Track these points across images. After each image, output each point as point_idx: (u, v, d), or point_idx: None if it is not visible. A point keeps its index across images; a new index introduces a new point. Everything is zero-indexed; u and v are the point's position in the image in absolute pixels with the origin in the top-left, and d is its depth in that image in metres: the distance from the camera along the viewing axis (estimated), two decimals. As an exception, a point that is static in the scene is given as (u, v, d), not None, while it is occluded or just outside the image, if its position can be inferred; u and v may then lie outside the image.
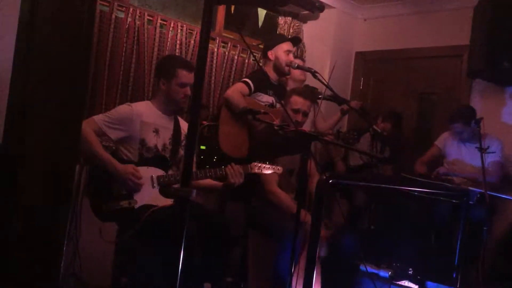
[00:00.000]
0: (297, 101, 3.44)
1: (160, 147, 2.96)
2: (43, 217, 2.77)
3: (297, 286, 2.69)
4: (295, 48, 4.28)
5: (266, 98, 3.91)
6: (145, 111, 2.96)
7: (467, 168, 4.24)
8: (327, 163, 4.64)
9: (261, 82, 3.85)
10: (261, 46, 4.35)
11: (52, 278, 2.87)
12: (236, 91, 3.73)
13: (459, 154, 4.35)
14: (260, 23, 5.26)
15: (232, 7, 4.98)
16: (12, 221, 2.62)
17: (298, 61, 4.15)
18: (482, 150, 3.69)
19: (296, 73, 4.23)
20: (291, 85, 4.40)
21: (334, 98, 4.12)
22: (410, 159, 4.69)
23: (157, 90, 3.07)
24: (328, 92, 3.89)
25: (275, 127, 3.20)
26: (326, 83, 3.52)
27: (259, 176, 3.19)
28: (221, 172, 2.93)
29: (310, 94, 3.68)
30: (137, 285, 2.95)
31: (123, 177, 2.76)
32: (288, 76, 4.32)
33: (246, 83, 3.80)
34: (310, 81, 4.05)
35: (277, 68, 3.95)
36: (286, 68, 3.95)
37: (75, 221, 3.08)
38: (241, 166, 2.98)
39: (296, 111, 3.42)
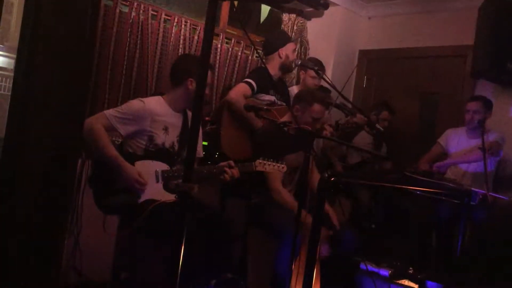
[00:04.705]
0: (319, 110, 3.37)
1: (168, 144, 2.96)
2: (44, 211, 2.78)
3: (296, 284, 2.69)
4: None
5: (268, 98, 3.90)
6: (157, 108, 2.95)
7: (470, 169, 4.22)
8: (324, 163, 4.63)
9: (263, 81, 3.83)
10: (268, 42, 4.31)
11: (53, 271, 2.88)
12: (240, 94, 3.71)
13: (461, 151, 4.33)
14: (262, 19, 5.25)
15: (236, 4, 4.97)
16: (12, 214, 2.62)
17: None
18: (485, 151, 3.68)
19: (309, 82, 4.28)
20: (303, 86, 4.41)
21: (342, 107, 4.09)
22: (411, 158, 4.68)
23: (173, 87, 3.04)
24: (339, 98, 3.88)
25: (279, 124, 3.20)
26: (330, 82, 3.52)
27: (263, 173, 3.17)
28: (215, 170, 2.93)
29: (328, 101, 3.65)
30: (137, 280, 2.96)
31: (127, 181, 2.75)
32: (302, 78, 4.38)
33: (249, 84, 3.77)
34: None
35: (285, 66, 3.96)
36: (293, 66, 3.98)
37: (76, 214, 3.08)
38: (244, 164, 2.99)
39: (316, 120, 3.38)
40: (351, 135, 4.81)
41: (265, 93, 3.88)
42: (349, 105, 4.06)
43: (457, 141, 4.39)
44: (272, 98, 3.93)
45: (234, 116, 3.69)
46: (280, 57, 3.94)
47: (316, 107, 3.35)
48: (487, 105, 4.19)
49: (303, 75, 4.41)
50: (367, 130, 4.76)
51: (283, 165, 3.05)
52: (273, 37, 4.13)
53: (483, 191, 3.42)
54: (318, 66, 4.15)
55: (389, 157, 4.89)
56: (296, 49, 4.03)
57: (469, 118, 4.24)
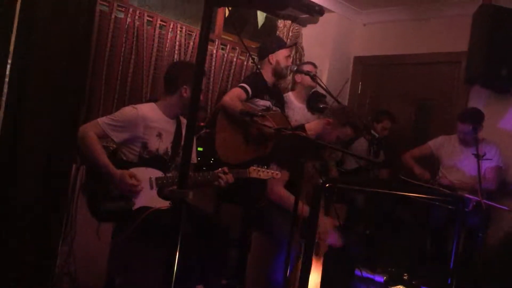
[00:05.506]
0: (348, 134, 3.36)
1: (162, 151, 2.96)
2: (38, 217, 2.77)
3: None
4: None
5: (263, 103, 3.90)
6: (150, 115, 2.94)
7: (465, 178, 4.22)
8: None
9: (258, 87, 3.83)
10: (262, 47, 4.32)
11: (47, 277, 2.87)
12: (234, 98, 3.70)
13: (455, 159, 4.34)
14: (259, 25, 5.27)
15: (227, 11, 4.99)
16: (7, 220, 2.61)
17: (309, 67, 4.20)
18: (479, 157, 3.69)
19: (307, 80, 4.27)
20: (299, 93, 4.41)
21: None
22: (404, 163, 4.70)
23: (167, 94, 3.04)
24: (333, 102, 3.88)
25: (273, 130, 3.19)
26: (325, 87, 3.54)
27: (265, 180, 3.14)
28: (209, 177, 2.93)
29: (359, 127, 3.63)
30: (132, 286, 2.95)
31: (121, 186, 2.75)
32: (299, 81, 4.37)
33: (244, 88, 3.77)
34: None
35: (277, 72, 3.95)
36: (285, 72, 3.96)
37: (71, 220, 3.07)
38: (239, 170, 2.99)
39: (340, 140, 3.37)
40: (349, 141, 4.82)
41: (260, 98, 3.89)
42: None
43: (451, 150, 4.39)
44: (267, 103, 3.93)
45: (229, 120, 3.69)
46: (270, 63, 3.94)
47: (348, 130, 3.34)
48: (478, 122, 4.14)
49: (300, 77, 4.41)
50: (366, 137, 4.78)
51: (277, 172, 3.05)
52: (265, 43, 4.14)
53: (477, 198, 3.42)
54: (311, 65, 4.18)
55: (385, 164, 4.90)
56: (291, 56, 4.02)
57: (461, 137, 4.28)
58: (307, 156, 2.62)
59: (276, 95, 4.08)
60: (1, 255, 2.63)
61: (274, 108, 3.95)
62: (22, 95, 2.59)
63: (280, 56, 3.94)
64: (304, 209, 2.76)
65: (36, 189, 2.74)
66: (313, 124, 3.45)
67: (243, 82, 3.91)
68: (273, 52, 3.96)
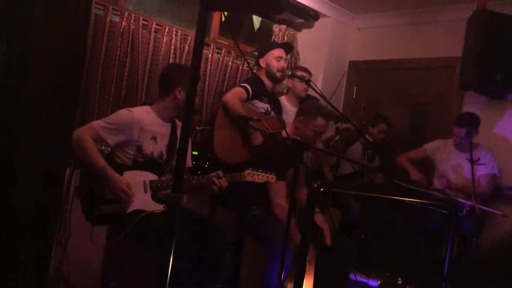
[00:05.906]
0: (322, 124, 3.28)
1: (156, 154, 2.96)
2: (32, 220, 2.76)
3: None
4: (287, 54, 4.29)
5: (262, 105, 3.92)
6: (145, 118, 2.94)
7: (460, 183, 4.22)
8: (315, 172, 4.65)
9: (257, 89, 3.86)
10: (256, 53, 4.37)
11: (40, 282, 2.85)
12: (235, 96, 3.72)
13: (451, 163, 4.36)
14: (255, 28, 5.28)
15: (223, 15, 5.00)
16: (7, 220, 2.60)
17: (303, 74, 4.19)
18: (473, 162, 3.70)
19: (298, 87, 4.27)
20: (291, 97, 4.41)
21: (333, 116, 4.12)
22: (400, 168, 4.70)
23: (161, 97, 3.04)
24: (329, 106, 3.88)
25: (268, 134, 3.19)
26: (320, 92, 3.54)
27: (265, 186, 3.13)
28: (204, 180, 2.93)
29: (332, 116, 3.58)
30: (126, 290, 2.94)
31: (115, 191, 2.75)
32: (290, 86, 4.37)
33: (244, 88, 3.80)
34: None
35: (270, 75, 3.97)
36: (278, 74, 3.97)
37: (64, 224, 3.06)
38: (233, 174, 2.99)
39: (318, 134, 3.31)
40: (345, 146, 4.82)
41: (259, 100, 3.91)
42: (338, 114, 4.09)
43: (446, 154, 4.40)
44: (266, 106, 3.95)
45: (228, 118, 3.71)
46: (261, 66, 3.97)
47: (320, 120, 3.27)
48: (474, 127, 4.16)
49: (291, 83, 4.42)
50: (360, 141, 4.78)
51: (272, 175, 3.04)
52: (258, 48, 4.18)
53: (471, 203, 3.43)
54: (305, 72, 4.19)
55: (380, 169, 4.91)
56: (284, 57, 4.03)
57: (457, 142, 4.28)
58: (300, 161, 2.62)
59: (274, 99, 4.10)
60: (1, 255, 2.62)
61: (272, 113, 3.97)
62: (16, 99, 2.58)
63: (270, 58, 3.97)
64: (295, 234, 2.76)
65: (36, 189, 2.73)
66: (288, 128, 3.45)
67: (244, 82, 3.94)
68: (262, 56, 4.00)
